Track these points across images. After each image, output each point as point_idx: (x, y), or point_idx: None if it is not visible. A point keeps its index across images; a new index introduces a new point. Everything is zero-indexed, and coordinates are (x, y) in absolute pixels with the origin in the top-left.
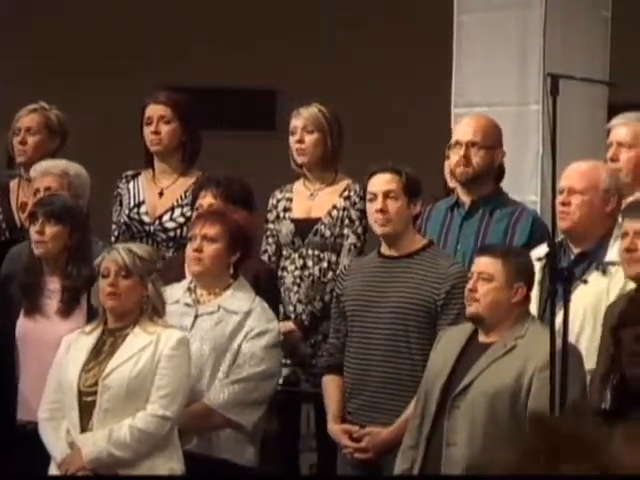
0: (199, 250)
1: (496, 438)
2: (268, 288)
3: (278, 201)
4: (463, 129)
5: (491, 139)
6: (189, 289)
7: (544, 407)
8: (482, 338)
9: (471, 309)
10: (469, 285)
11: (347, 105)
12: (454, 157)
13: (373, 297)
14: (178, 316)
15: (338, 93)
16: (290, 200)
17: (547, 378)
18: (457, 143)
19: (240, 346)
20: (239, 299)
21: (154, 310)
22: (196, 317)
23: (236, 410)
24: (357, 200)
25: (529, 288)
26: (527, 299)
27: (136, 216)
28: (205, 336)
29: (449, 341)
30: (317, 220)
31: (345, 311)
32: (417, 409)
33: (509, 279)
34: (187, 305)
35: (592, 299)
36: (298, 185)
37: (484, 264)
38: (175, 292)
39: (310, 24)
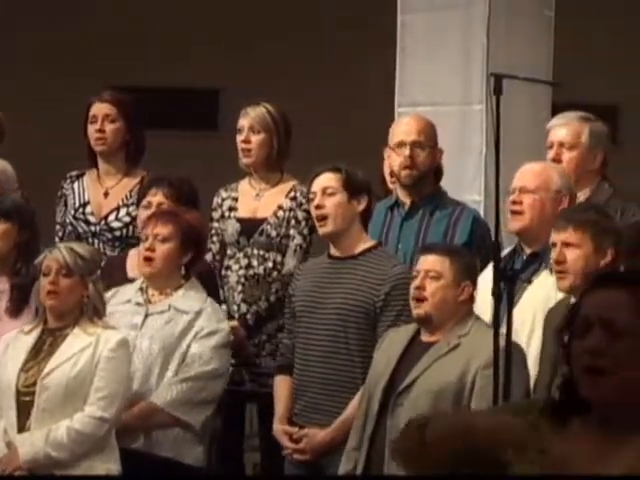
0: (151, 250)
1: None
2: (209, 289)
3: (223, 200)
4: (404, 129)
5: (431, 138)
6: (141, 289)
7: (487, 405)
8: (425, 337)
9: (419, 309)
10: (416, 283)
11: (290, 105)
12: (398, 158)
13: (318, 298)
14: (129, 315)
15: (280, 92)
16: (236, 199)
17: (490, 376)
18: (401, 143)
19: (189, 346)
20: (190, 299)
21: (94, 311)
22: (146, 316)
23: (184, 409)
24: (303, 201)
25: (474, 287)
26: (472, 298)
27: (81, 216)
28: (155, 335)
29: (392, 341)
30: (263, 220)
31: (295, 311)
32: (360, 410)
33: (457, 277)
34: (138, 304)
35: (542, 300)
36: (244, 184)
37: (432, 262)
38: (127, 291)
39: (254, 26)
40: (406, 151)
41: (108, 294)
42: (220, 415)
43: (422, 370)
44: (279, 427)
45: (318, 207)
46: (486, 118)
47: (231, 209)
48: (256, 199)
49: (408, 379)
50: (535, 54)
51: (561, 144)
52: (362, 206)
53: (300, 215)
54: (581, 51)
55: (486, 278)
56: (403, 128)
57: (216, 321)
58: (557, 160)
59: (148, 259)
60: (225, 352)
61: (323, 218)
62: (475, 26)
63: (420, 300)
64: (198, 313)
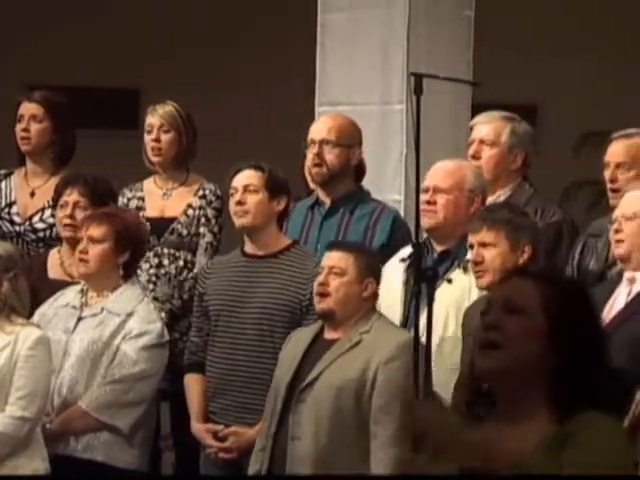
0: (84, 252)
1: (341, 431)
2: None
3: (129, 200)
4: (317, 128)
5: (346, 138)
6: (82, 290)
7: (389, 400)
8: (328, 335)
9: (322, 305)
10: (320, 279)
11: (212, 105)
12: (309, 156)
13: (239, 297)
14: (64, 319)
15: (202, 92)
16: (142, 199)
17: (392, 371)
18: (312, 142)
19: (118, 347)
20: (124, 300)
21: (11, 309)
22: (79, 319)
23: (109, 412)
24: (213, 199)
25: (377, 284)
26: (375, 295)
27: (7, 216)
28: (85, 338)
29: (297, 341)
30: (172, 219)
31: (208, 310)
32: (267, 410)
33: (360, 274)
34: (74, 308)
35: (455, 298)
36: (148, 184)
37: (335, 259)
38: (68, 294)
39: (174, 25)
40: (315, 149)
41: (52, 298)
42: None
43: (324, 367)
44: (200, 426)
45: (239, 203)
46: (406, 118)
47: (138, 209)
48: (164, 198)
49: (311, 376)
50: (455, 54)
51: (482, 141)
52: (281, 207)
53: (210, 213)
54: (501, 50)
55: (390, 267)
56: (316, 127)
57: (147, 322)
58: (477, 157)
59: (83, 260)
60: (156, 352)
61: (243, 212)
62: (395, 26)
63: (324, 295)
64: (129, 315)
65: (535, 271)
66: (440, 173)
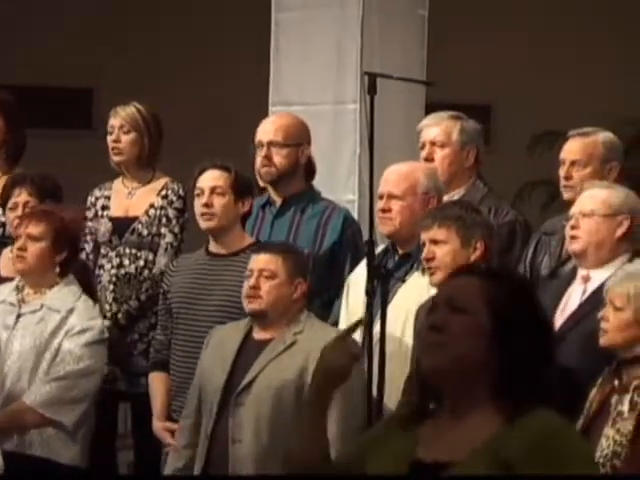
0: (22, 249)
1: (282, 432)
2: (84, 287)
3: (97, 199)
4: (264, 129)
5: (294, 137)
6: (17, 287)
7: None
8: (259, 335)
9: (254, 305)
10: (250, 282)
11: (165, 104)
12: (258, 157)
13: (198, 294)
14: (1, 316)
15: (157, 92)
16: (108, 198)
17: None
18: (260, 143)
19: (61, 344)
20: (63, 297)
21: None
22: (19, 316)
23: (54, 408)
24: (175, 199)
25: (306, 283)
26: (304, 295)
27: None
28: (26, 334)
29: (223, 339)
30: (135, 219)
31: (171, 308)
32: (189, 408)
33: (290, 275)
34: (11, 304)
35: (413, 299)
36: (117, 183)
37: (265, 261)
38: (3, 291)
39: (127, 24)
40: (263, 151)
41: None
42: (92, 414)
43: (260, 369)
44: (159, 424)
45: (206, 205)
46: (360, 117)
47: (104, 208)
48: (128, 198)
49: (247, 378)
50: (409, 53)
51: (433, 143)
52: (246, 208)
53: (171, 213)
54: (455, 50)
55: (358, 275)
56: (263, 128)
57: (88, 318)
58: (430, 159)
59: (21, 257)
60: (98, 349)
61: (210, 215)
62: (349, 25)
63: (255, 298)
64: (70, 311)
65: (480, 269)
66: (393, 178)
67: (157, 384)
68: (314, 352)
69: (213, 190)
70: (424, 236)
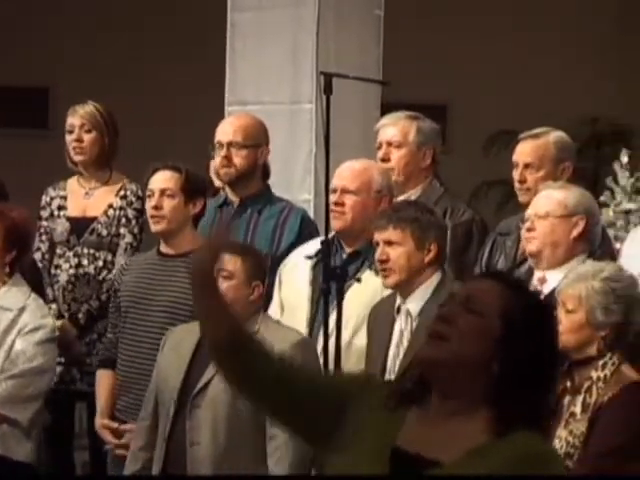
0: None
1: (239, 433)
2: (33, 286)
3: (52, 199)
4: (224, 129)
5: (253, 138)
6: None
7: None
8: None
9: None
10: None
11: (123, 104)
12: (217, 158)
13: (146, 294)
14: None
15: (109, 91)
16: (64, 198)
17: None
18: (219, 144)
19: (14, 342)
20: (13, 296)
21: None
22: None
23: (10, 406)
24: (134, 199)
25: (264, 286)
26: (261, 297)
27: None
28: None
29: (179, 341)
30: (93, 219)
31: (121, 306)
32: (146, 410)
33: (248, 277)
34: None
35: (366, 298)
36: (72, 183)
37: (224, 261)
38: None
39: (85, 24)
40: (223, 151)
41: None
42: (49, 413)
43: (216, 371)
44: (100, 422)
45: (155, 208)
46: (316, 117)
47: (60, 208)
48: (86, 198)
49: (202, 380)
50: (365, 53)
51: (389, 143)
52: (197, 209)
53: (130, 214)
54: (410, 49)
55: (295, 272)
56: (222, 128)
57: (40, 317)
58: (386, 159)
59: None
60: (50, 347)
61: (159, 218)
62: (304, 25)
63: None
64: (21, 309)
65: (505, 276)
66: (347, 174)
67: (103, 382)
68: None
69: (163, 192)
70: (378, 237)
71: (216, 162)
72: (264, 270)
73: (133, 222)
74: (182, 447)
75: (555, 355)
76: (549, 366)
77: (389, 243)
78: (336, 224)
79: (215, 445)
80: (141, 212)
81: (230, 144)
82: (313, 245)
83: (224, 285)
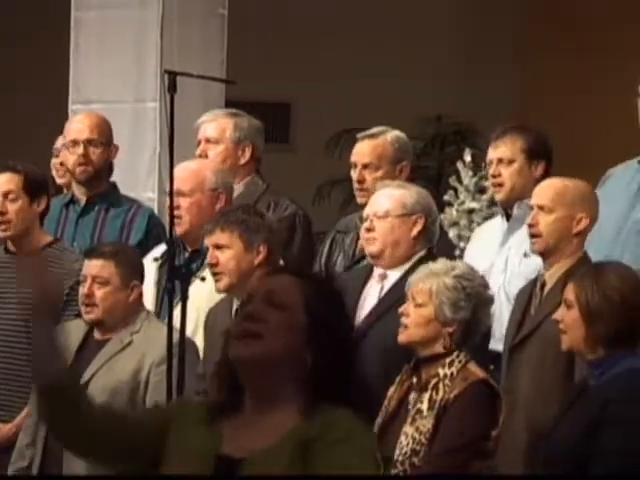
0: None
1: None
2: None
3: None
4: (78, 127)
5: (106, 135)
6: None
7: (162, 400)
8: (98, 335)
9: (91, 315)
10: (84, 290)
11: None
12: (72, 156)
13: None
14: None
15: None
16: None
17: (164, 372)
18: (75, 142)
19: None
20: None
21: None
22: None
23: None
24: None
25: (142, 284)
26: (141, 296)
27: None
28: None
29: (65, 338)
30: None
31: None
32: (31, 407)
33: (124, 279)
34: None
35: (207, 296)
36: None
37: (98, 268)
38: None
39: None
40: (80, 149)
41: None
42: None
43: (97, 369)
44: None
45: (1, 213)
46: (160, 116)
47: None
48: None
49: (85, 377)
50: (209, 52)
51: (207, 140)
52: (42, 207)
53: None
54: (254, 48)
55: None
56: (76, 126)
57: None
58: (204, 156)
59: None
60: None
61: (6, 223)
62: (148, 24)
63: (90, 306)
64: None
65: (294, 269)
66: (181, 176)
67: None
68: (149, 352)
69: (6, 195)
70: (207, 240)
71: (67, 160)
72: (140, 267)
73: None
74: (59, 445)
75: (352, 331)
76: (348, 340)
77: (218, 247)
78: (177, 229)
79: None
80: None
81: (88, 141)
82: (161, 248)
83: (100, 292)
